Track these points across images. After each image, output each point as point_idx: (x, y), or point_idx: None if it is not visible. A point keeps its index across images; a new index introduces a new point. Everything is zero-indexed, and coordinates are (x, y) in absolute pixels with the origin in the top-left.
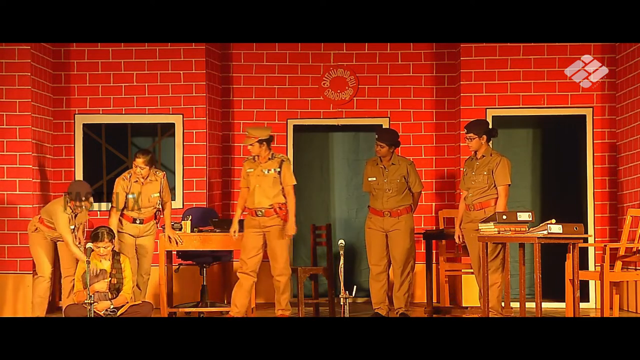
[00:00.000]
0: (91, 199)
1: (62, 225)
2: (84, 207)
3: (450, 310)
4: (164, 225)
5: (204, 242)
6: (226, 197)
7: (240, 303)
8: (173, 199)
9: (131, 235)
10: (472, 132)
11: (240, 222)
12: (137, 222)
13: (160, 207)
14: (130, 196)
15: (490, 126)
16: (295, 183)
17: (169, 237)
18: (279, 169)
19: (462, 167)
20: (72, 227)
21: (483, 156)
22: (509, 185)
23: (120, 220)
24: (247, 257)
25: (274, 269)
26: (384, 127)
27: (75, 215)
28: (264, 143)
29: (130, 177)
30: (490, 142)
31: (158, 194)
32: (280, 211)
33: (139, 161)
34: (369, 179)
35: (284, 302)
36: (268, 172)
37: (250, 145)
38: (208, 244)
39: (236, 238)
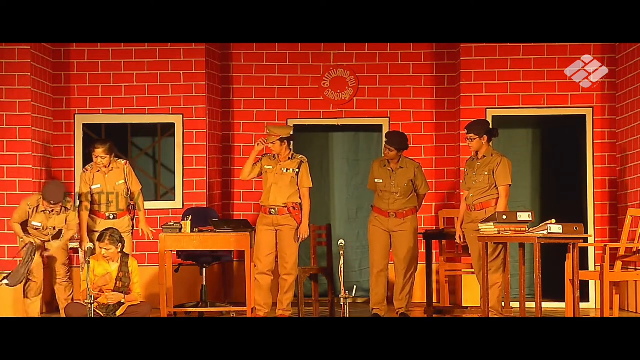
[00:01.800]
0: (67, 204)
1: (18, 209)
2: (55, 211)
3: (450, 310)
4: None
5: (204, 242)
6: (226, 197)
7: (264, 302)
8: (172, 198)
9: None
10: (472, 133)
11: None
12: (111, 217)
13: (130, 198)
14: (94, 187)
15: (490, 126)
16: (311, 186)
17: (142, 231)
18: (297, 170)
19: (462, 167)
20: (39, 224)
21: (484, 156)
22: (510, 185)
23: (93, 219)
24: (262, 256)
25: (282, 268)
26: (392, 129)
27: (49, 213)
28: (285, 142)
29: (91, 168)
30: (491, 142)
31: (123, 181)
32: (294, 211)
33: (99, 151)
34: (376, 180)
35: (286, 302)
36: (286, 171)
37: (272, 143)
38: (208, 244)
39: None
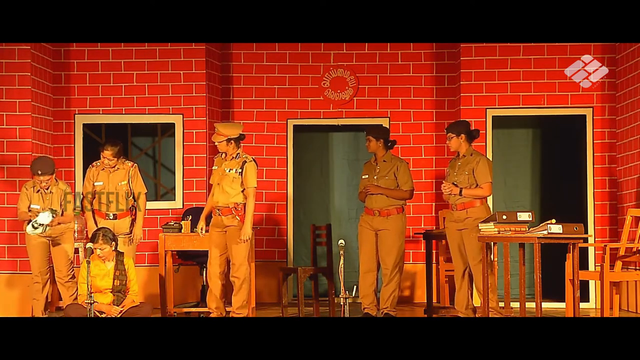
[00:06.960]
0: (48, 176)
1: (19, 196)
2: (44, 182)
3: (450, 310)
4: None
5: (204, 242)
6: None
7: (215, 306)
8: (172, 198)
9: None
10: (450, 132)
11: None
12: (111, 217)
13: (134, 199)
14: (97, 183)
15: (472, 127)
16: (255, 186)
17: (133, 232)
18: (240, 170)
19: None
20: (37, 206)
21: (464, 156)
22: (491, 182)
23: (94, 218)
24: (212, 258)
25: (232, 268)
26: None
27: (44, 193)
28: (232, 142)
29: (97, 165)
30: (472, 142)
31: (126, 182)
32: (237, 212)
33: (106, 153)
34: (363, 177)
35: (236, 304)
36: (229, 171)
37: (218, 142)
38: (208, 244)
39: (203, 236)
